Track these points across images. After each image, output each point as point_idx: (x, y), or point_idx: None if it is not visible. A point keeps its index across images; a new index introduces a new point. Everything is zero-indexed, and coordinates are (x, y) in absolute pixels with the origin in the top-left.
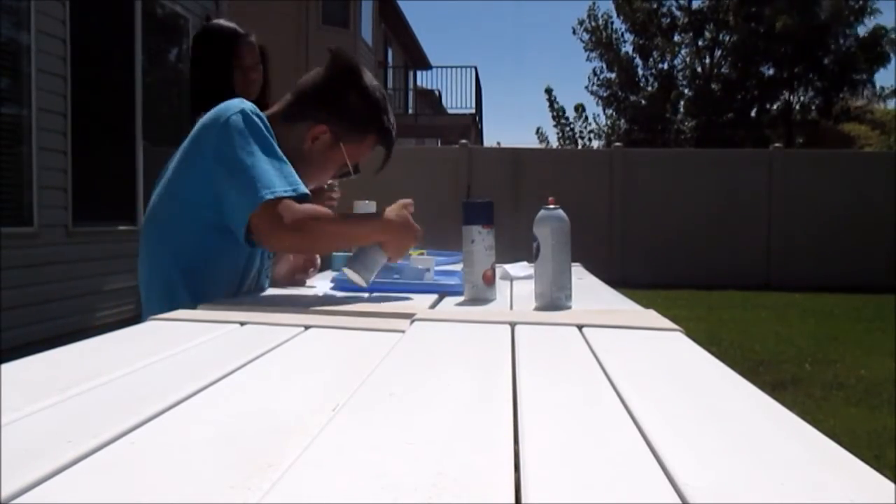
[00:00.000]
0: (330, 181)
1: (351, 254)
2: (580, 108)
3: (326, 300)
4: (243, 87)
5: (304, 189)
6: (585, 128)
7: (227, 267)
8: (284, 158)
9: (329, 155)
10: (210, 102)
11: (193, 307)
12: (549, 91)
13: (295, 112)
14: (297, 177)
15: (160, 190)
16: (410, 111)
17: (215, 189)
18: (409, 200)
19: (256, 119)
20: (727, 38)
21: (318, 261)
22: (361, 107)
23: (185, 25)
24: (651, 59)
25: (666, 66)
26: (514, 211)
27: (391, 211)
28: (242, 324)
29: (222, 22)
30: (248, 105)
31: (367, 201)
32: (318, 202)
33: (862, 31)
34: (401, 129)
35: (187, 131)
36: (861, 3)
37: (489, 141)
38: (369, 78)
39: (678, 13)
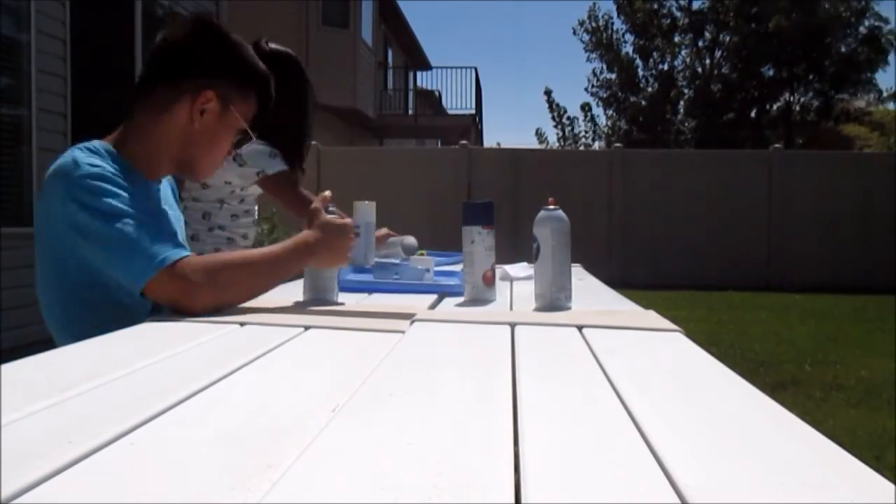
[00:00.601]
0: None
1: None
2: (587, 108)
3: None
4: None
5: (183, 250)
6: (591, 128)
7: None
8: (143, 211)
9: (221, 124)
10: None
11: None
12: (548, 93)
13: (163, 96)
14: (171, 237)
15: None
16: (410, 112)
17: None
18: (325, 194)
19: (92, 179)
20: (727, 39)
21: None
22: (235, 59)
23: None
24: (651, 60)
25: (666, 67)
26: (513, 211)
27: (312, 224)
28: (242, 324)
29: (277, 46)
30: (82, 158)
31: (366, 202)
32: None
33: (862, 31)
34: (401, 129)
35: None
36: (862, 4)
37: (489, 141)
38: (223, 27)
39: (678, 14)
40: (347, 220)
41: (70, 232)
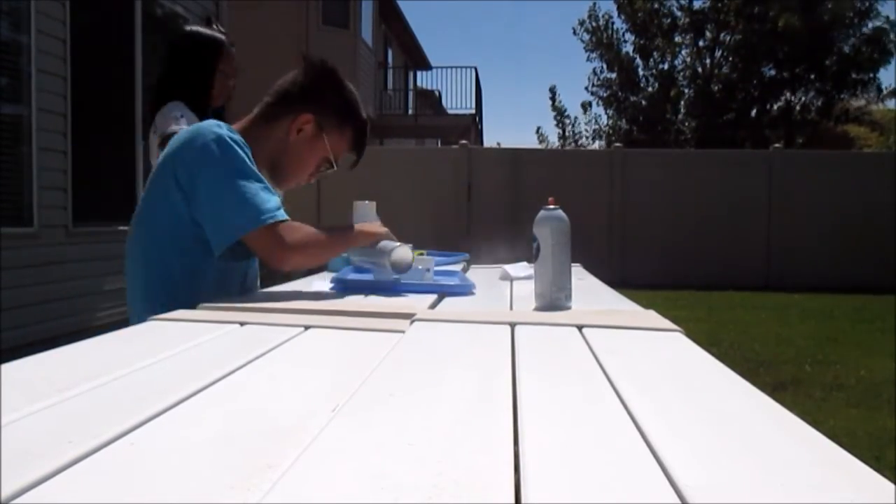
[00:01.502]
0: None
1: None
2: (587, 106)
3: (326, 300)
4: (220, 91)
5: (286, 213)
6: (590, 127)
7: (207, 281)
8: (264, 181)
9: (311, 146)
10: (172, 100)
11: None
12: (552, 90)
13: (277, 111)
14: (278, 199)
15: (138, 210)
16: (410, 111)
17: (193, 210)
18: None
19: (233, 143)
20: (728, 39)
21: None
22: (341, 100)
23: (185, 25)
24: (651, 60)
25: (666, 67)
26: (513, 211)
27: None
28: (242, 324)
29: (202, 30)
30: (224, 128)
31: (366, 202)
32: None
33: (866, 31)
34: (401, 129)
35: (148, 125)
36: (866, 5)
37: (489, 141)
38: (342, 75)
39: (679, 13)
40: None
41: (184, 183)
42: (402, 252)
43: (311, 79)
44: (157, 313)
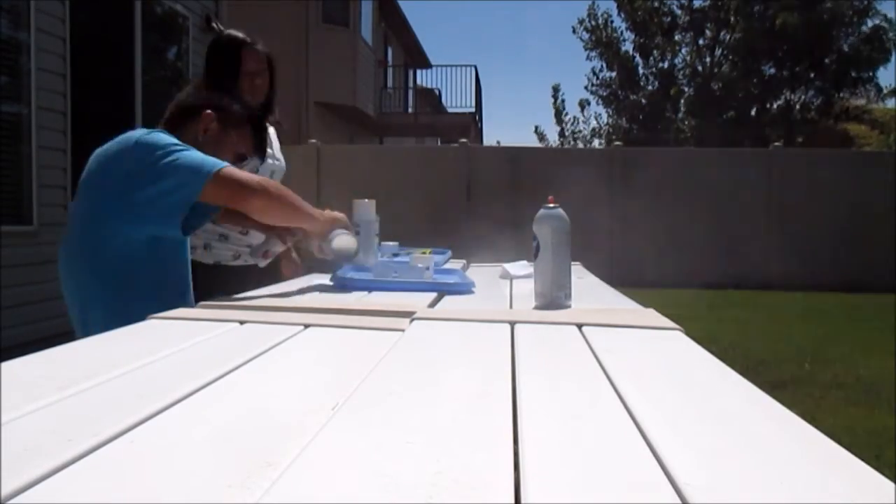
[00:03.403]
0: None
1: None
2: (584, 104)
3: (326, 299)
4: (249, 91)
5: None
6: (588, 125)
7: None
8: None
9: (223, 139)
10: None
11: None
12: (555, 88)
13: (189, 114)
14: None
15: (72, 228)
16: (410, 110)
17: (138, 198)
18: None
19: (158, 132)
20: (728, 37)
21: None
22: (234, 100)
23: (185, 24)
24: (651, 58)
25: (666, 65)
26: (513, 210)
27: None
28: (242, 322)
29: (229, 32)
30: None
31: (366, 200)
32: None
33: (865, 30)
34: (401, 127)
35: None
36: (865, 3)
37: (489, 140)
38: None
39: (679, 12)
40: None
41: (127, 179)
42: (345, 240)
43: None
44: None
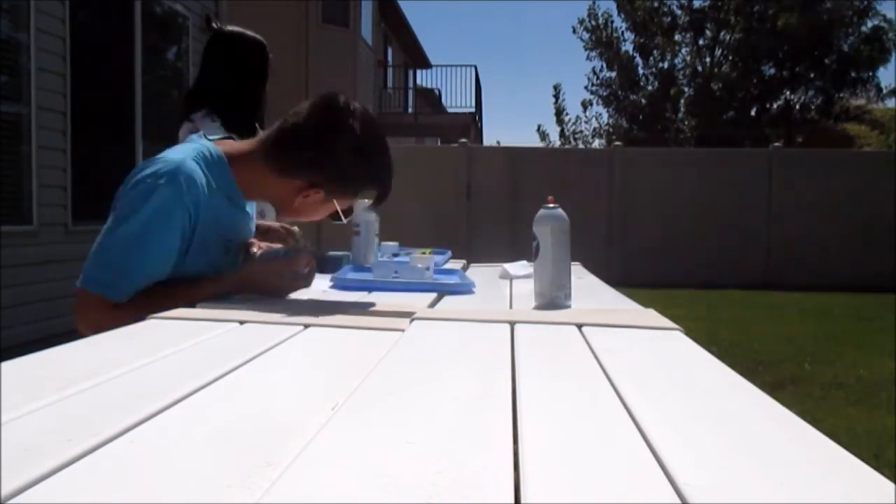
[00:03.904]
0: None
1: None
2: (587, 104)
3: (326, 299)
4: (260, 97)
5: (120, 294)
6: (590, 126)
7: None
8: (157, 243)
9: (319, 208)
10: (208, 104)
11: None
12: (557, 88)
13: (284, 165)
14: (139, 271)
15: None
16: (410, 110)
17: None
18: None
19: (171, 189)
20: (728, 38)
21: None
22: (356, 166)
23: (185, 24)
24: (651, 58)
25: (666, 66)
26: (513, 210)
27: (253, 272)
28: (242, 322)
29: (249, 32)
30: (187, 168)
31: (366, 200)
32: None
33: (865, 30)
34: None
35: (177, 130)
36: (865, 3)
37: (489, 140)
38: (362, 120)
39: (679, 12)
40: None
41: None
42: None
43: (322, 135)
44: None
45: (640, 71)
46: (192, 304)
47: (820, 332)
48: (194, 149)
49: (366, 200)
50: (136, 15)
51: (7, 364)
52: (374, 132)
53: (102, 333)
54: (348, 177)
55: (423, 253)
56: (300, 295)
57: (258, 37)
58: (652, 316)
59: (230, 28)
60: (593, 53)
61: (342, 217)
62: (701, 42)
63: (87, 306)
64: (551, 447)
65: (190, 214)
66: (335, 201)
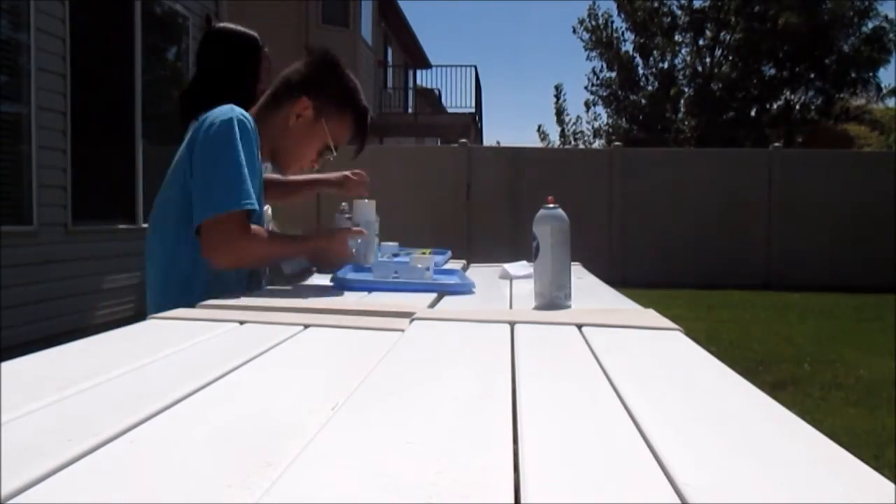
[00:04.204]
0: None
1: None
2: (589, 104)
3: (326, 299)
4: (257, 96)
5: (252, 204)
6: (591, 126)
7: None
8: (256, 169)
9: (311, 131)
10: (206, 103)
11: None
12: (558, 88)
13: (280, 98)
14: (252, 193)
15: (158, 198)
16: (410, 110)
17: (191, 188)
18: (359, 230)
19: (239, 129)
20: (728, 38)
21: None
22: (340, 89)
23: (185, 24)
24: (651, 59)
25: (666, 66)
26: (513, 210)
27: (329, 240)
28: (242, 322)
29: (242, 28)
30: (237, 112)
31: (366, 200)
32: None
33: (865, 31)
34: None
35: (179, 130)
36: (866, 4)
37: (489, 140)
38: (346, 69)
39: (679, 12)
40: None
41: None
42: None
43: (312, 68)
44: (170, 307)
45: (640, 71)
46: (303, 247)
47: (820, 332)
48: (234, 107)
49: (366, 200)
50: (136, 15)
51: (7, 364)
52: (352, 76)
53: (104, 333)
54: (334, 94)
55: (423, 253)
56: (300, 295)
57: (251, 32)
58: (652, 316)
59: (221, 25)
60: (593, 53)
61: (333, 148)
62: (701, 42)
63: (225, 235)
64: (551, 447)
65: (255, 151)
66: (324, 122)
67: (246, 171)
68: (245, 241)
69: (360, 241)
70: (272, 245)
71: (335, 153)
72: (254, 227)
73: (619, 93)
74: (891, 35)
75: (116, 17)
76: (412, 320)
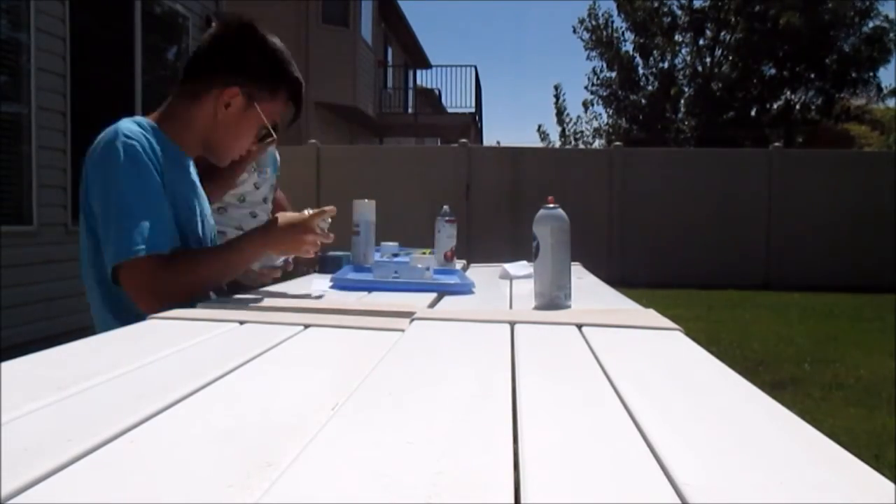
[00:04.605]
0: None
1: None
2: (588, 104)
3: (326, 299)
4: None
5: (144, 250)
6: (590, 126)
7: None
8: (156, 188)
9: (245, 119)
10: None
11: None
12: (557, 87)
13: (198, 87)
14: (145, 231)
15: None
16: (410, 110)
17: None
18: (330, 208)
19: (124, 153)
20: (728, 38)
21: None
22: (264, 61)
23: (185, 24)
24: (651, 59)
25: (666, 66)
26: (513, 210)
27: (265, 231)
28: (242, 322)
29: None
30: (121, 130)
31: (365, 200)
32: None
33: (866, 31)
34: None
35: None
36: (867, 4)
37: (489, 140)
38: (264, 31)
39: (679, 12)
40: (308, 218)
41: (92, 200)
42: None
43: (228, 42)
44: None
45: (640, 71)
46: (240, 254)
47: (820, 332)
48: (122, 122)
49: (366, 200)
50: (136, 15)
51: (7, 364)
52: (274, 38)
53: (104, 334)
54: (261, 72)
55: (423, 253)
56: (300, 295)
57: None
58: (652, 316)
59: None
60: (593, 53)
61: (272, 131)
62: (701, 42)
63: (138, 278)
64: (551, 447)
65: (151, 160)
66: (257, 106)
67: (139, 205)
68: (160, 281)
69: (359, 240)
70: (199, 267)
71: (275, 134)
72: (174, 255)
73: (619, 93)
74: (891, 35)
75: (116, 17)
76: (412, 320)
